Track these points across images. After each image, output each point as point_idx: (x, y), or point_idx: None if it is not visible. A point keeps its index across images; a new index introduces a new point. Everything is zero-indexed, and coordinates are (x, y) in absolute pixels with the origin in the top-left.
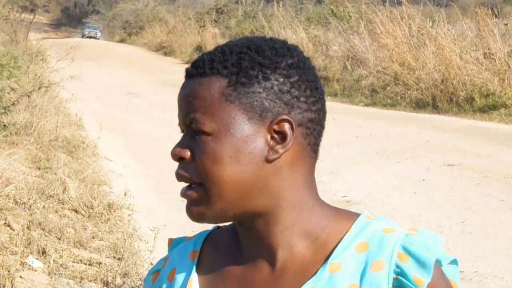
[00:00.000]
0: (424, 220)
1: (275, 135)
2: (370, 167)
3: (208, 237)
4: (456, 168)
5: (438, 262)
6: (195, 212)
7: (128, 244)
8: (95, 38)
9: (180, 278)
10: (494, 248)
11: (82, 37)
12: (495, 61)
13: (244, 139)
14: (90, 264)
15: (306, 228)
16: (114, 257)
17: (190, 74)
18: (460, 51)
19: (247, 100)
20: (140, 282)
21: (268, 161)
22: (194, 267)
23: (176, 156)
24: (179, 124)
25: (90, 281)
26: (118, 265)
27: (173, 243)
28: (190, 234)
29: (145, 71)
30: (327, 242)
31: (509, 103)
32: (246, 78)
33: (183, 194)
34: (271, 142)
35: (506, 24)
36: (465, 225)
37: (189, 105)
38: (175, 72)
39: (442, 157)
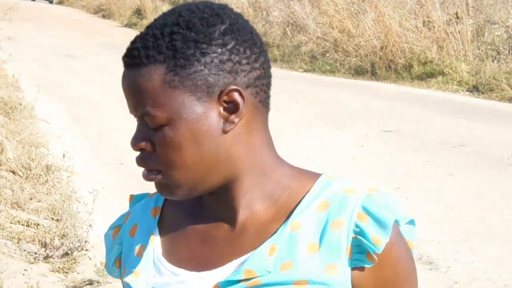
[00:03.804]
0: (362, 186)
1: (227, 106)
2: (309, 133)
3: None
4: (394, 134)
5: (396, 222)
6: (166, 194)
7: (67, 206)
8: (49, 1)
9: (141, 234)
10: (432, 213)
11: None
12: (434, 29)
13: (198, 119)
14: (28, 225)
15: (268, 190)
16: (52, 219)
17: (128, 64)
18: (400, 18)
19: (191, 81)
20: (78, 244)
21: (225, 132)
22: (156, 223)
23: (137, 148)
24: (131, 112)
25: (28, 242)
26: (56, 226)
27: (134, 199)
28: (129, 197)
29: (83, 34)
30: (288, 201)
31: (447, 71)
32: (184, 59)
33: (147, 178)
34: (225, 114)
35: None
36: (402, 190)
37: (136, 98)
38: (114, 35)
39: (381, 123)
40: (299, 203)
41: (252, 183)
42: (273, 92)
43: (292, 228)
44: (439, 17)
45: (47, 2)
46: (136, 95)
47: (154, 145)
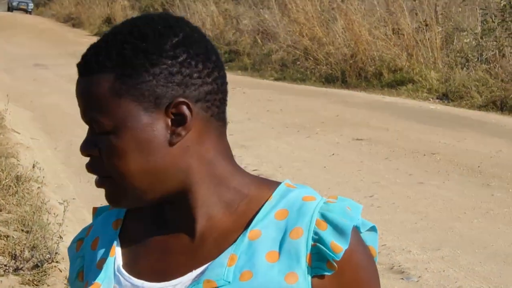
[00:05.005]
0: (333, 194)
1: (175, 118)
2: (281, 141)
3: None
4: (365, 142)
5: (357, 229)
6: (112, 202)
7: (37, 217)
8: (26, 11)
9: (103, 246)
10: (402, 222)
11: (9, 9)
12: (404, 37)
13: (143, 129)
14: None
15: (226, 199)
16: (22, 230)
17: (80, 72)
18: (370, 26)
19: (137, 91)
20: (48, 255)
21: (172, 144)
22: (117, 235)
23: (85, 153)
24: (82, 119)
25: None
26: (26, 238)
27: (98, 212)
28: (92, 209)
29: (53, 43)
30: (247, 210)
31: (416, 78)
32: (131, 69)
33: (98, 185)
34: (172, 126)
35: (414, 0)
36: (373, 199)
37: (85, 104)
38: (83, 44)
39: (351, 131)
40: (258, 211)
41: (209, 193)
42: (244, 100)
43: (251, 237)
44: (408, 24)
45: (25, 12)
46: (86, 101)
47: (100, 151)
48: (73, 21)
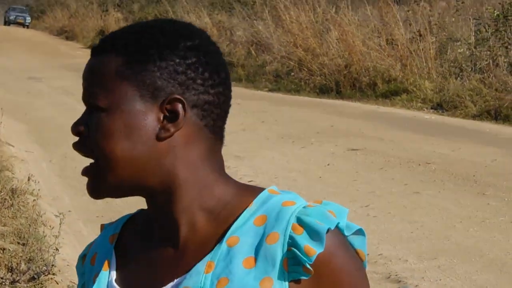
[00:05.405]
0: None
1: (168, 114)
2: (276, 152)
3: (129, 219)
4: (360, 152)
5: (340, 232)
6: (90, 187)
7: (33, 230)
8: (23, 25)
9: (99, 261)
10: (398, 231)
11: (6, 23)
12: (398, 47)
13: (135, 116)
14: None
15: (208, 205)
16: (19, 243)
17: (93, 52)
18: (364, 37)
19: (140, 77)
20: (45, 268)
21: (159, 139)
22: (113, 249)
23: (74, 131)
24: (82, 98)
25: None
26: (22, 250)
27: (104, 229)
28: (95, 220)
29: (47, 56)
30: (228, 217)
31: (411, 88)
32: (141, 56)
33: (83, 173)
34: (164, 121)
35: (408, 11)
36: (369, 209)
37: (88, 81)
38: (77, 57)
39: (346, 142)
40: (237, 218)
41: (191, 198)
42: (239, 111)
43: (230, 244)
44: (402, 35)
45: (22, 26)
46: (90, 77)
47: (89, 130)
48: (67, 34)
